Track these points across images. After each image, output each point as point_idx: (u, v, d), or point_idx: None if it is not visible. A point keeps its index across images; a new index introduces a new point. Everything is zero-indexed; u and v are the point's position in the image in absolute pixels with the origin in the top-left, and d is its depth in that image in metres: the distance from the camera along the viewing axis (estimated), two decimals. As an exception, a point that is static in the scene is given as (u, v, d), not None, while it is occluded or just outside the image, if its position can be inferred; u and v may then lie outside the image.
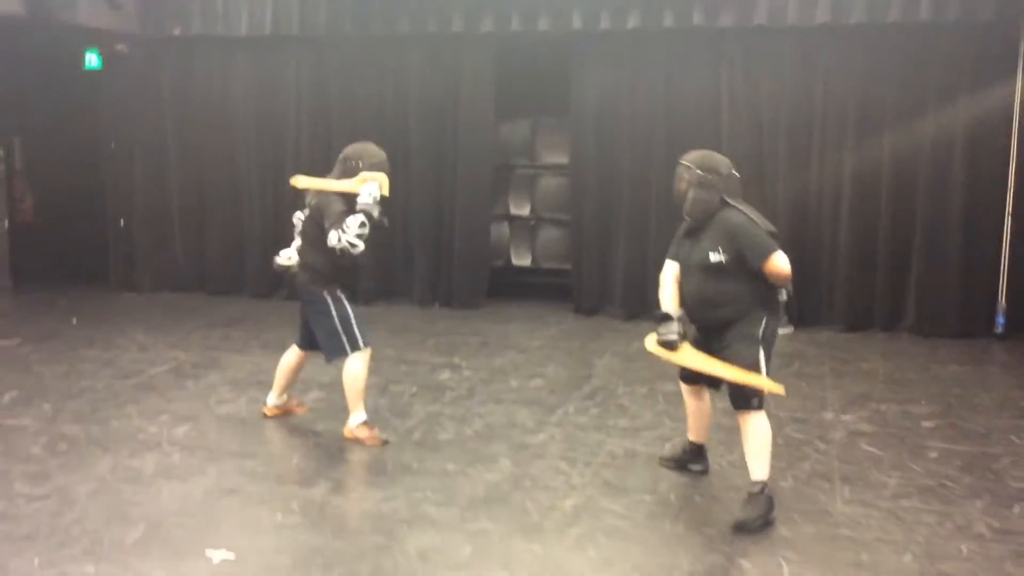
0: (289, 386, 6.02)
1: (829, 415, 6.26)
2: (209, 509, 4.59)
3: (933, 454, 5.51)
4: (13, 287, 10.46)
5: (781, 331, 4.70)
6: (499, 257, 10.65)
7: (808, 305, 9.17)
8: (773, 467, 4.70)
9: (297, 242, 5.79)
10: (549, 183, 10.35)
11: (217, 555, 4.02)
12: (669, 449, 5.32)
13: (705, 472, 5.14)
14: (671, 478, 5.09)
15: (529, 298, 10.27)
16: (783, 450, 5.53)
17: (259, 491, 4.82)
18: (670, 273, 4.76)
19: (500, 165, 10.47)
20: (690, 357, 4.58)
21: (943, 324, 8.74)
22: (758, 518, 4.43)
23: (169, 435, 5.67)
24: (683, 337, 4.54)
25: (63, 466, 5.11)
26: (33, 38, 9.87)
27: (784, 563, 4.06)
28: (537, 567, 4.03)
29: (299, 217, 5.80)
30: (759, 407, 4.54)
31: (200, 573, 3.91)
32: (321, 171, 6.11)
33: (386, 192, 5.49)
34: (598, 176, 9.52)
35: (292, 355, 5.90)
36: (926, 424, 6.09)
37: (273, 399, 6.02)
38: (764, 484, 4.52)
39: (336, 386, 5.98)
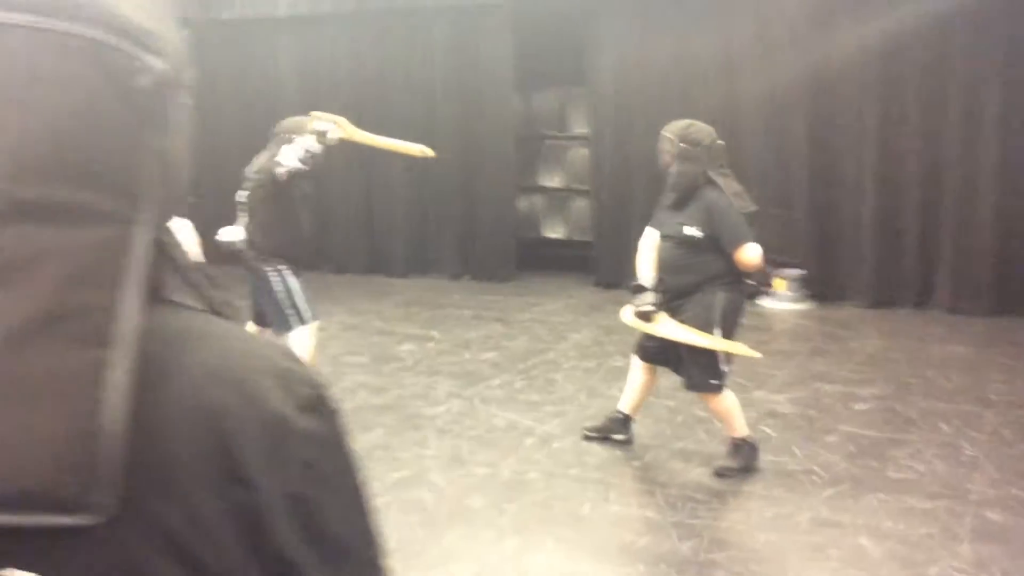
0: None
1: (759, 394, 5.94)
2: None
3: (832, 438, 5.14)
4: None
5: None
6: (531, 229, 10.61)
7: (831, 279, 8.64)
8: (658, 435, 5.00)
9: (242, 220, 5.99)
10: (578, 154, 10.18)
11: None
12: (592, 424, 5.22)
13: (629, 442, 5.05)
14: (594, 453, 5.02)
15: (559, 270, 10.19)
16: (675, 427, 5.35)
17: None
18: (649, 241, 4.77)
19: (530, 136, 10.41)
20: (665, 327, 4.56)
21: (975, 301, 7.99)
22: (738, 467, 4.60)
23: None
24: (658, 307, 4.54)
25: None
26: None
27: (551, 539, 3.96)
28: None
29: (242, 194, 6.00)
30: (718, 389, 4.55)
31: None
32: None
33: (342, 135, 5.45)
34: (616, 146, 9.31)
35: (250, 328, 6.14)
36: (857, 407, 5.68)
37: None
38: (744, 438, 4.64)
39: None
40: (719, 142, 4.58)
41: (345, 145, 10.58)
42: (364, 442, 5.20)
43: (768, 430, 5.29)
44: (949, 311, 8.00)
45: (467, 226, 10.12)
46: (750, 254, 4.41)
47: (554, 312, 8.51)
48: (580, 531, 4.09)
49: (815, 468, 4.72)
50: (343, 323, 8.12)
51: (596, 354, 6.97)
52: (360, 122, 9.82)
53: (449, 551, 3.91)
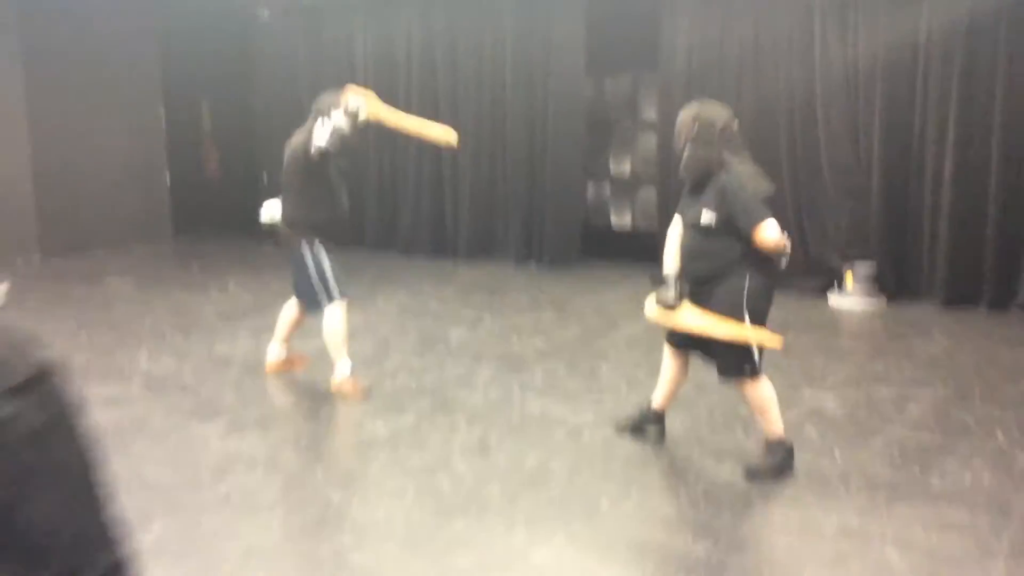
0: (289, 336, 6.08)
1: (807, 392, 5.72)
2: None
3: (877, 442, 4.91)
4: (174, 236, 11.61)
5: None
6: (599, 217, 10.45)
7: (906, 275, 8.28)
8: (694, 431, 4.89)
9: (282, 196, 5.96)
10: (649, 140, 9.97)
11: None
12: (626, 417, 5.09)
13: (662, 438, 4.93)
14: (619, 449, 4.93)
15: (625, 259, 10.01)
16: (714, 424, 5.19)
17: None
18: (675, 230, 4.68)
19: (601, 121, 10.24)
20: (690, 318, 4.45)
21: (1061, 303, 7.57)
22: (770, 470, 4.41)
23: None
24: (681, 297, 4.44)
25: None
26: (207, 4, 10.92)
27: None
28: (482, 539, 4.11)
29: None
30: (752, 374, 4.42)
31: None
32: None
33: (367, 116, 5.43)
34: (686, 132, 9.08)
35: (293, 307, 5.96)
36: (910, 410, 5.41)
37: (275, 349, 6.07)
38: (779, 440, 4.48)
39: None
40: (734, 124, 4.43)
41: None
42: (394, 425, 5.20)
43: (811, 430, 5.08)
44: (1029, 313, 7.59)
45: (534, 212, 10.04)
46: (767, 233, 4.23)
47: (612, 301, 8.37)
48: (593, 527, 3.99)
49: (852, 473, 4.50)
50: (400, 304, 8.14)
51: (646, 345, 6.80)
52: (432, 107, 9.98)
53: (456, 539, 3.85)
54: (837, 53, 8.28)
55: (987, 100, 7.74)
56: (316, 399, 5.77)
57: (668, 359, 4.86)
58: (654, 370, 6.08)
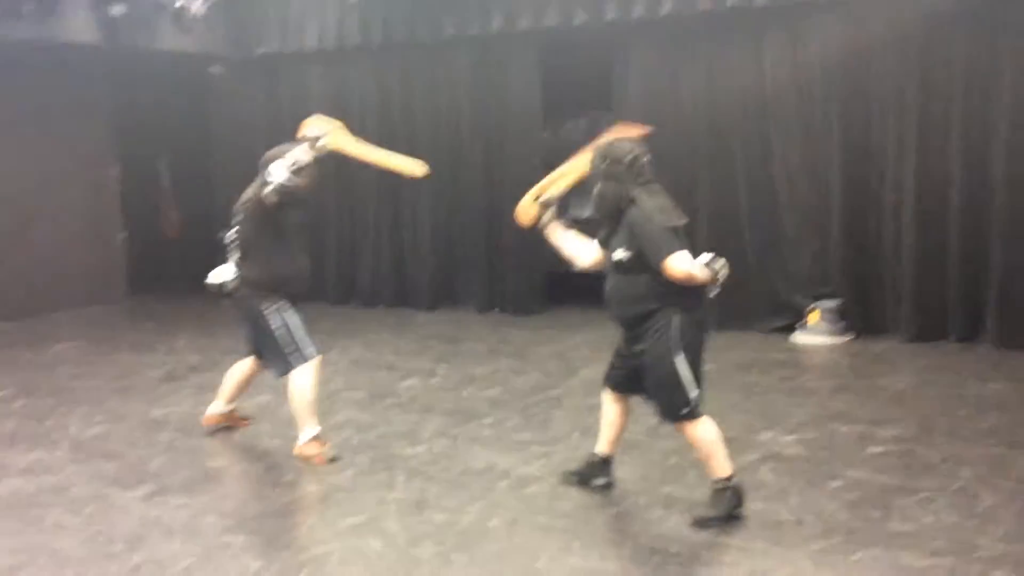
0: (236, 397, 5.82)
1: (766, 435, 5.48)
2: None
3: (835, 484, 4.67)
4: (129, 296, 11.31)
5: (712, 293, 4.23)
6: (562, 262, 10.23)
7: (871, 311, 8.09)
8: (644, 479, 4.71)
9: (233, 259, 5.51)
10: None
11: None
12: (573, 469, 4.86)
13: (610, 487, 4.68)
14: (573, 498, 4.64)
15: (591, 303, 9.77)
16: (665, 470, 4.95)
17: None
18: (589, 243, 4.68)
19: (560, 166, 10.08)
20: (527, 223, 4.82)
21: (1029, 334, 7.38)
22: (719, 517, 4.22)
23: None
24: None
25: None
26: (161, 62, 10.78)
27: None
28: None
29: (230, 233, 5.66)
30: (690, 416, 4.22)
31: None
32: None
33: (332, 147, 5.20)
34: (644, 174, 8.94)
35: (245, 365, 5.70)
36: (872, 450, 5.18)
37: (220, 406, 5.79)
38: (727, 480, 4.24)
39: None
40: (644, 158, 4.27)
41: (373, 180, 10.46)
42: (328, 484, 4.94)
43: (767, 474, 4.83)
44: (997, 346, 7.37)
45: (496, 259, 9.85)
46: (675, 264, 4.04)
47: (573, 347, 8.15)
48: (528, 586, 3.72)
49: (807, 518, 4.26)
50: (355, 358, 7.88)
51: (603, 391, 6.58)
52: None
53: (379, 606, 3.58)
54: (791, 89, 8.18)
55: (945, 142, 7.63)
56: (250, 460, 5.50)
57: (608, 403, 4.68)
58: (548, 419, 5.91)
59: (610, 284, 4.36)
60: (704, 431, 4.25)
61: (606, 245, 4.39)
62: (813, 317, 8.01)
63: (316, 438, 5.27)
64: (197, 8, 9.82)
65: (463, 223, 9.99)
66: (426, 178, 5.30)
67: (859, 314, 8.09)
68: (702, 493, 4.56)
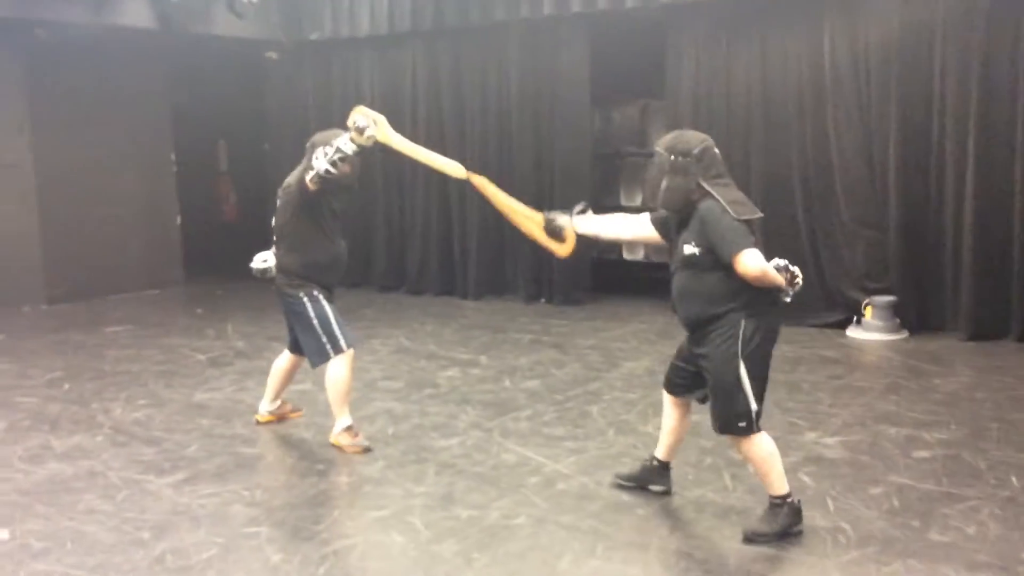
0: (282, 391, 5.82)
1: (809, 436, 5.32)
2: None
3: (876, 490, 4.50)
4: (184, 280, 11.48)
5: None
6: (610, 251, 10.13)
7: (928, 308, 7.85)
8: (679, 480, 4.60)
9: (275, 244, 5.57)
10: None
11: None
12: (628, 468, 4.75)
13: (667, 493, 4.56)
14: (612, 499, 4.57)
15: (638, 294, 9.68)
16: (701, 471, 4.83)
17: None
18: (633, 219, 4.54)
19: (609, 152, 10.00)
20: (568, 250, 4.59)
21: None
22: (772, 533, 3.99)
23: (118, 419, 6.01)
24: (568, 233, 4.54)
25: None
26: (216, 48, 10.89)
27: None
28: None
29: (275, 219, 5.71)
30: (748, 431, 4.02)
31: None
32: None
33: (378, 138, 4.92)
34: (695, 162, 8.76)
35: (284, 360, 5.70)
36: (918, 454, 4.99)
37: (266, 405, 5.81)
38: (783, 497, 4.05)
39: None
40: (714, 150, 4.06)
41: (422, 168, 10.44)
42: (358, 476, 4.91)
43: (806, 478, 4.68)
44: (1060, 346, 7.10)
45: (542, 248, 9.70)
46: (747, 262, 3.84)
47: (618, 338, 8.03)
48: (548, 589, 3.65)
49: (844, 525, 4.11)
50: (397, 346, 7.87)
51: (644, 385, 6.47)
52: (438, 139, 9.79)
53: (395, 605, 3.53)
54: (849, 76, 7.92)
55: (1008, 122, 7.32)
56: (284, 448, 5.50)
57: (667, 407, 4.51)
58: (646, 413, 5.79)
59: (677, 281, 4.14)
60: (760, 448, 4.05)
61: (673, 235, 4.19)
62: (868, 312, 7.78)
63: (348, 428, 5.27)
64: (251, -6, 9.89)
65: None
66: (465, 180, 5.09)
67: (915, 310, 7.84)
68: (737, 498, 4.47)
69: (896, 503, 4.35)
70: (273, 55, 11.37)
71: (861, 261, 8.00)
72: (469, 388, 6.55)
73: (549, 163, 9.60)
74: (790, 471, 4.63)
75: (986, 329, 7.47)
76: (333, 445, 5.28)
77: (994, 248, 7.44)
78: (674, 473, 4.72)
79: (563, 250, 4.66)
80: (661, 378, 6.52)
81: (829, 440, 5.23)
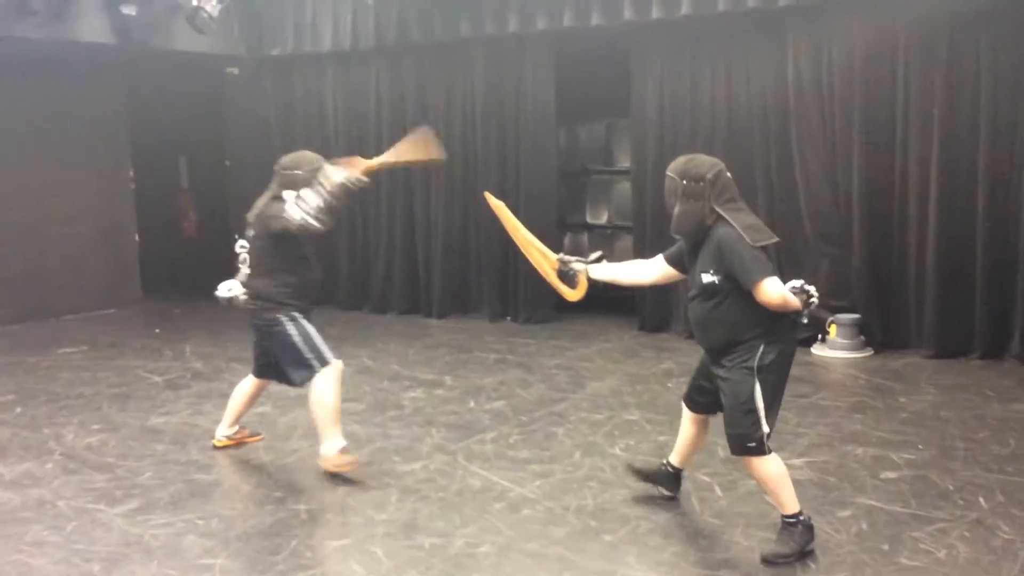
0: (242, 416, 5.69)
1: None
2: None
3: (844, 513, 4.45)
4: (143, 299, 11.26)
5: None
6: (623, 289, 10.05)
7: (893, 325, 7.85)
8: (654, 502, 4.61)
9: (243, 272, 5.45)
10: (624, 189, 9.62)
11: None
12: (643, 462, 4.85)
13: (675, 500, 4.60)
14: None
15: (605, 312, 9.61)
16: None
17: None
18: (647, 263, 4.55)
19: (575, 170, 9.95)
20: (579, 296, 4.58)
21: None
22: (792, 553, 3.96)
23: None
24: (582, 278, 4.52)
25: None
26: (176, 63, 10.71)
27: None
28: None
29: (242, 245, 5.54)
30: (759, 452, 3.98)
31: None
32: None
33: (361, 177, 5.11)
34: (660, 180, 8.71)
35: (248, 384, 5.59)
36: (885, 475, 4.95)
37: (224, 429, 5.67)
38: (795, 516, 4.01)
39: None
40: (727, 174, 4.03)
41: (386, 185, 10.33)
42: (319, 503, 4.78)
43: (770, 502, 4.61)
44: (1024, 363, 7.12)
45: (508, 266, 9.67)
46: (768, 289, 3.82)
47: (584, 357, 7.96)
48: (512, 621, 3.55)
49: (811, 549, 4.04)
50: (360, 366, 7.73)
51: (611, 406, 6.40)
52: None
53: (355, 640, 3.42)
54: (813, 94, 7.93)
55: (971, 142, 7.36)
56: (241, 474, 5.36)
57: (685, 421, 4.52)
58: (612, 435, 5.73)
59: (696, 309, 4.11)
60: (771, 468, 4.01)
61: (687, 264, 4.17)
62: (832, 330, 7.77)
63: (342, 450, 5.11)
64: (211, 8, 9.73)
65: (476, 228, 9.82)
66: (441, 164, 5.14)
67: (880, 327, 7.85)
68: (705, 522, 4.40)
69: (865, 526, 4.30)
70: (234, 70, 11.22)
71: (825, 279, 7.99)
72: (433, 409, 6.44)
73: (514, 180, 9.52)
74: (756, 495, 4.59)
75: (950, 347, 7.49)
76: (324, 469, 5.09)
77: (957, 266, 7.46)
78: (641, 498, 4.66)
79: (573, 296, 4.62)
80: (626, 399, 6.57)
81: (796, 461, 5.18)
